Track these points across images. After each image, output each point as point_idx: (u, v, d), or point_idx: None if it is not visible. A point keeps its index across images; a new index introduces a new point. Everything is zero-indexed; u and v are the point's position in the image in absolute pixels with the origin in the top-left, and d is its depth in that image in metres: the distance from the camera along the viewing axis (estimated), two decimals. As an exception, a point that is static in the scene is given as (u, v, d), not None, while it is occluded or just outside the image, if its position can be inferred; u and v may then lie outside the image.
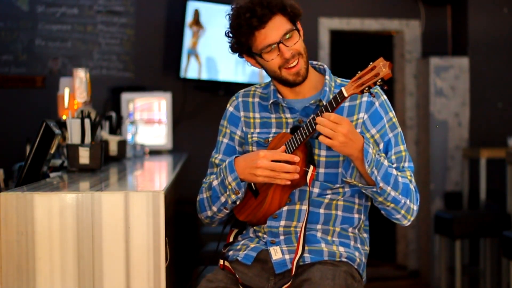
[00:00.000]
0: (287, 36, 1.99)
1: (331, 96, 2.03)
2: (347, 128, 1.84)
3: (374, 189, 1.93)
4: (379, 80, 1.80)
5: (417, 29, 5.50)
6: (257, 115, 2.14)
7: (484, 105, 5.38)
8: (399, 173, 1.99)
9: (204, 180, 2.20)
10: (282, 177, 1.94)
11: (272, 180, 1.95)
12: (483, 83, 5.37)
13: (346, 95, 1.85)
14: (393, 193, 1.95)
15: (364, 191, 1.98)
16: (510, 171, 4.27)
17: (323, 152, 2.02)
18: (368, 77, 1.82)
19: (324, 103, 2.01)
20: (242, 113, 2.16)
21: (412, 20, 5.50)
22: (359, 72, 1.85)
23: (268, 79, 2.16)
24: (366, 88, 1.83)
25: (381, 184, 1.92)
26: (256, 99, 2.16)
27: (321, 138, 1.86)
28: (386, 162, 1.94)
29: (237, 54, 2.10)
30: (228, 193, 2.03)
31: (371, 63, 1.83)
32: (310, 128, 1.91)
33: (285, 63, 2.00)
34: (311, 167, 1.96)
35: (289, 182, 1.96)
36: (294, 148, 1.96)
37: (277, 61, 2.01)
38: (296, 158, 1.94)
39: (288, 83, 2.04)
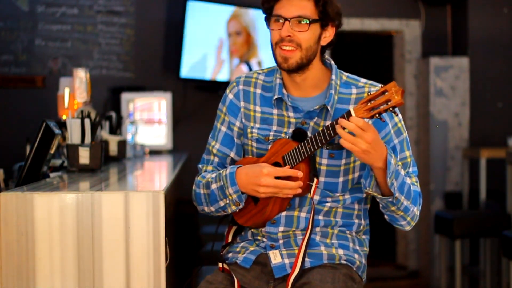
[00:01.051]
0: (300, 21, 1.94)
1: (335, 98, 2.02)
2: (372, 136, 1.79)
3: (390, 199, 1.91)
4: (391, 108, 1.76)
5: (417, 29, 5.50)
6: (258, 108, 2.08)
7: (484, 105, 5.38)
8: (410, 180, 1.97)
9: (199, 165, 2.17)
10: (284, 193, 1.93)
11: (274, 195, 1.95)
12: (483, 83, 5.37)
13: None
14: (405, 203, 1.94)
15: (379, 200, 1.95)
16: (510, 171, 4.26)
17: (325, 161, 2.00)
18: (379, 102, 1.77)
19: (329, 108, 2.00)
20: (242, 103, 2.10)
21: (412, 20, 5.50)
22: (369, 93, 1.79)
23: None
24: (377, 115, 1.78)
25: (397, 194, 1.90)
26: (258, 90, 2.10)
27: (342, 141, 1.81)
28: (403, 172, 1.92)
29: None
30: (228, 202, 2.01)
31: (382, 85, 1.79)
32: (316, 143, 1.88)
33: (280, 41, 1.96)
34: (315, 180, 1.94)
35: (291, 196, 1.95)
36: (299, 160, 1.93)
37: (276, 35, 1.97)
38: (300, 174, 1.91)
39: (277, 64, 2.00)
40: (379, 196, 1.92)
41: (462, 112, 5.28)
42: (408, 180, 1.94)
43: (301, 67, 1.98)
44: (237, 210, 2.05)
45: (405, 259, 5.53)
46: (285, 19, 1.94)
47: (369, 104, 1.79)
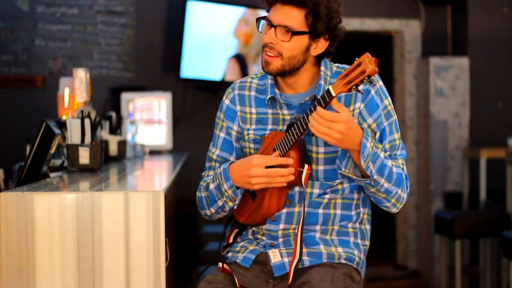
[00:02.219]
0: (287, 30, 1.94)
1: (326, 87, 2.02)
2: (344, 126, 1.81)
3: (368, 181, 1.92)
4: (366, 78, 1.78)
5: (417, 29, 5.50)
6: (253, 110, 2.10)
7: (484, 105, 5.38)
8: (393, 163, 1.96)
9: (202, 174, 2.18)
10: (277, 181, 1.93)
11: (268, 185, 1.95)
12: (483, 83, 5.37)
13: (334, 94, 1.82)
14: (386, 185, 1.94)
15: (357, 182, 1.97)
16: (510, 171, 4.26)
17: (321, 149, 2.01)
18: (354, 75, 1.79)
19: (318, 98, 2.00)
20: (238, 107, 2.13)
21: (412, 20, 5.50)
22: (345, 68, 1.82)
23: None
24: (354, 87, 1.80)
25: (375, 177, 1.90)
26: (253, 93, 2.12)
27: (315, 131, 1.84)
28: (382, 154, 1.92)
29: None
30: (225, 199, 2.03)
31: (356, 58, 1.80)
32: (301, 127, 1.89)
33: (265, 46, 1.98)
34: (306, 166, 1.94)
35: (285, 184, 1.95)
36: (288, 148, 1.94)
37: (264, 38, 1.99)
38: (290, 161, 1.92)
39: (261, 66, 2.02)
40: (355, 177, 1.93)
41: (462, 112, 5.28)
42: (389, 163, 1.94)
43: (283, 73, 2.00)
44: (235, 207, 2.06)
45: (405, 259, 5.53)
46: (272, 25, 1.96)
47: (346, 78, 1.80)
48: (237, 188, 1.99)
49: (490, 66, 5.39)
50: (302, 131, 1.90)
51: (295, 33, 1.94)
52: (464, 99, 5.29)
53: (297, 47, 1.96)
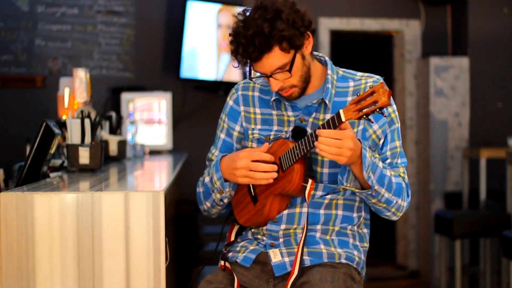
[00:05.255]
0: (281, 71, 1.94)
1: (333, 92, 2.02)
2: (352, 142, 1.81)
3: (369, 192, 1.92)
4: (378, 109, 1.77)
5: (417, 29, 5.50)
6: (257, 110, 2.11)
7: (484, 105, 5.38)
8: (392, 172, 1.97)
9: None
10: (259, 177, 1.93)
11: (251, 180, 1.95)
12: (483, 83, 5.37)
13: (343, 119, 1.82)
14: (386, 195, 1.94)
15: (358, 194, 1.97)
16: (510, 171, 4.26)
17: None
18: (366, 103, 1.78)
19: (327, 102, 2.00)
20: (242, 108, 2.13)
21: (412, 20, 5.50)
22: (358, 94, 1.81)
23: None
24: (364, 116, 1.79)
25: (376, 187, 1.91)
26: (256, 93, 2.12)
27: (325, 154, 1.83)
28: (380, 164, 1.93)
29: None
30: (215, 191, 2.04)
31: (370, 86, 1.80)
32: (308, 145, 1.88)
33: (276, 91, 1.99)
34: (310, 181, 1.94)
35: (271, 181, 1.94)
36: (293, 161, 1.93)
37: (271, 88, 1.99)
38: (271, 157, 1.93)
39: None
40: (358, 190, 1.94)
41: (462, 112, 5.28)
42: (388, 172, 1.95)
43: (304, 90, 2.01)
44: (225, 200, 2.06)
45: (405, 259, 5.53)
46: (267, 76, 1.95)
47: (358, 104, 1.80)
48: (226, 180, 2.00)
49: (490, 66, 5.39)
50: (309, 148, 1.89)
51: (290, 67, 1.93)
52: (464, 99, 5.29)
53: (298, 68, 1.96)
